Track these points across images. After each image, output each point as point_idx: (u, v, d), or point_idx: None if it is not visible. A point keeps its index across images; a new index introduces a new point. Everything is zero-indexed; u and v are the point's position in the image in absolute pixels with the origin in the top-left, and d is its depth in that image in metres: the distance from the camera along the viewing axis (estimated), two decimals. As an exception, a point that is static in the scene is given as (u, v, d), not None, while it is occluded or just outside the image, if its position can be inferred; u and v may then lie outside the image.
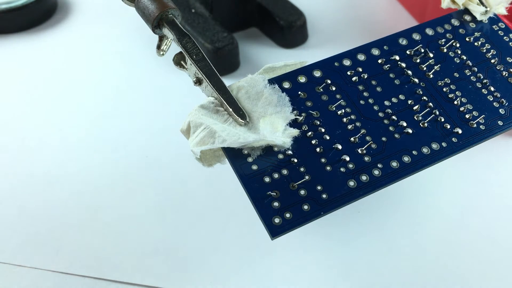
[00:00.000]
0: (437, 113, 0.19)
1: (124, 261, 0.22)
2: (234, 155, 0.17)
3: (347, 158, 0.18)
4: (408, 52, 0.21)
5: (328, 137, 0.18)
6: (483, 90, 0.20)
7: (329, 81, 0.20)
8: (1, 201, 0.24)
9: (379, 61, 0.20)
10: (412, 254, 0.23)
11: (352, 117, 0.19)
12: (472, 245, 0.23)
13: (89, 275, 0.22)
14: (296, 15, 0.32)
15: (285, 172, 0.17)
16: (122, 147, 0.27)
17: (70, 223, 0.23)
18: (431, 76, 0.20)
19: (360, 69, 0.20)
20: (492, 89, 0.20)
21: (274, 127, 0.18)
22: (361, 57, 0.20)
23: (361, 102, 0.19)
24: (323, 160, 0.18)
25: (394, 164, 0.18)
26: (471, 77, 0.21)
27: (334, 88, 0.19)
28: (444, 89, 0.20)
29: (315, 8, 0.35)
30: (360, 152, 0.18)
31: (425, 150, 0.18)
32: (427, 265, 0.22)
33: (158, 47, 0.22)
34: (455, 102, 0.20)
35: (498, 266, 0.22)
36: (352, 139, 0.18)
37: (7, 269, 0.22)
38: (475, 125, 0.19)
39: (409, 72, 0.20)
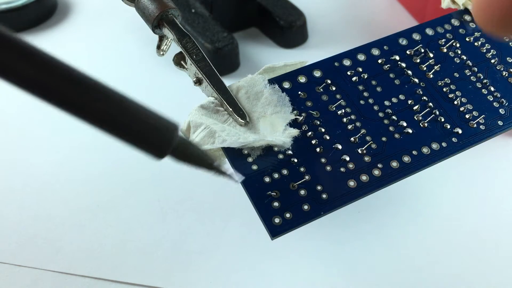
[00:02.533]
0: (437, 113, 0.19)
1: (124, 261, 0.22)
2: (234, 155, 0.17)
3: (347, 158, 0.18)
4: (408, 52, 0.21)
5: (328, 137, 0.18)
6: (483, 90, 0.20)
7: (329, 81, 0.20)
8: (1, 201, 0.24)
9: (379, 61, 0.20)
10: (412, 254, 0.23)
11: (352, 117, 0.19)
12: (472, 245, 0.23)
13: (89, 275, 0.22)
14: (296, 15, 0.32)
15: (285, 172, 0.17)
16: (121, 146, 0.27)
17: (70, 223, 0.23)
18: (431, 76, 0.20)
19: (360, 69, 0.20)
20: (492, 89, 0.20)
21: (274, 127, 0.18)
22: (361, 57, 0.20)
23: (361, 102, 0.19)
24: (323, 160, 0.18)
25: (394, 164, 0.18)
26: (471, 77, 0.21)
27: (334, 88, 0.19)
28: (444, 89, 0.20)
29: (315, 8, 0.35)
30: (360, 152, 0.18)
31: (425, 150, 0.18)
32: (427, 265, 0.22)
33: (158, 47, 0.22)
34: (455, 102, 0.20)
35: (497, 266, 0.22)
36: (352, 139, 0.18)
37: (7, 269, 0.22)
38: (475, 125, 0.19)
39: (409, 72, 0.20)
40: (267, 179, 0.17)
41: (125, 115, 0.11)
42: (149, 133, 0.12)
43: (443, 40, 0.21)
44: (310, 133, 0.18)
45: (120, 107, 0.11)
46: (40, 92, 0.10)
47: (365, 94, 0.19)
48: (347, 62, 0.20)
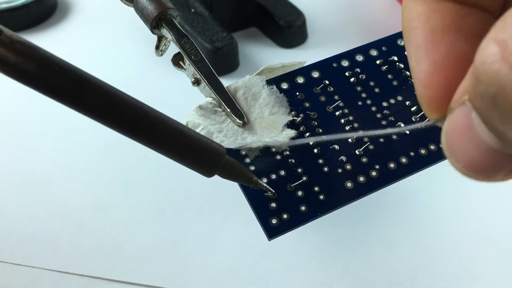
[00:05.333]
0: (435, 114, 0.19)
1: (122, 260, 0.22)
2: (232, 156, 0.17)
3: (345, 159, 0.18)
4: (406, 52, 0.21)
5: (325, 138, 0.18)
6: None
7: (327, 82, 0.20)
8: (1, 200, 0.24)
9: (378, 62, 0.20)
10: (410, 254, 0.23)
11: (350, 118, 0.19)
12: (470, 245, 0.23)
13: (87, 274, 0.22)
14: (295, 15, 0.32)
15: (282, 173, 0.17)
16: (120, 146, 0.27)
17: (68, 222, 0.23)
18: (430, 77, 0.20)
19: (359, 70, 0.20)
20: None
21: (272, 128, 0.18)
22: (359, 58, 0.20)
23: (359, 103, 0.19)
24: (320, 161, 0.18)
25: (392, 165, 0.18)
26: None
27: (332, 89, 0.19)
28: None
29: (315, 8, 0.35)
30: (357, 153, 0.18)
31: (423, 151, 0.18)
32: (425, 264, 0.22)
33: (157, 47, 0.22)
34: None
35: (496, 266, 0.22)
36: (349, 140, 0.18)
37: (5, 267, 0.22)
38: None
39: (408, 73, 0.20)
40: (264, 180, 0.17)
41: (186, 143, 0.14)
42: (203, 157, 0.14)
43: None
44: (307, 134, 0.18)
45: (181, 138, 0.14)
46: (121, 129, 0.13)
47: (363, 95, 0.19)
48: (345, 63, 0.20)
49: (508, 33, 0.07)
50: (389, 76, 0.20)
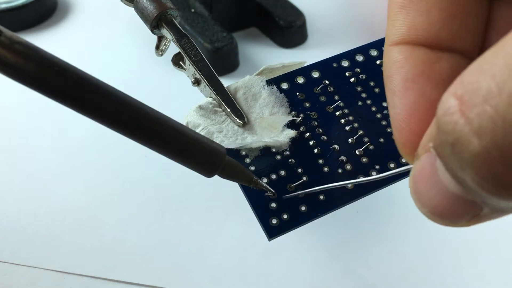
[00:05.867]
0: (435, 114, 0.19)
1: (122, 260, 0.22)
2: (232, 156, 0.17)
3: (345, 159, 0.18)
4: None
5: (325, 138, 0.18)
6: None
7: (327, 82, 0.20)
8: (1, 200, 0.24)
9: (378, 62, 0.20)
10: (410, 254, 0.23)
11: (350, 118, 0.19)
12: (470, 245, 0.23)
13: (87, 274, 0.22)
14: (295, 15, 0.32)
15: (282, 173, 0.17)
16: (121, 146, 0.27)
17: (68, 222, 0.23)
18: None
19: (359, 70, 0.20)
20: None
21: (272, 128, 0.18)
22: (359, 58, 0.20)
23: (359, 103, 0.19)
24: (320, 161, 0.18)
25: (392, 165, 0.18)
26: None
27: (332, 89, 0.19)
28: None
29: (315, 8, 0.35)
30: (357, 153, 0.18)
31: (422, 151, 0.18)
32: (425, 264, 0.22)
33: (157, 47, 0.22)
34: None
35: (496, 266, 0.22)
36: (350, 140, 0.18)
37: (5, 267, 0.22)
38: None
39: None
40: (264, 180, 0.17)
41: (186, 143, 0.14)
42: (203, 158, 0.14)
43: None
44: (308, 134, 0.18)
45: (181, 138, 0.14)
46: (124, 131, 0.13)
47: (363, 95, 0.19)
48: (345, 63, 0.20)
49: (465, 89, 0.08)
50: (389, 76, 0.20)
